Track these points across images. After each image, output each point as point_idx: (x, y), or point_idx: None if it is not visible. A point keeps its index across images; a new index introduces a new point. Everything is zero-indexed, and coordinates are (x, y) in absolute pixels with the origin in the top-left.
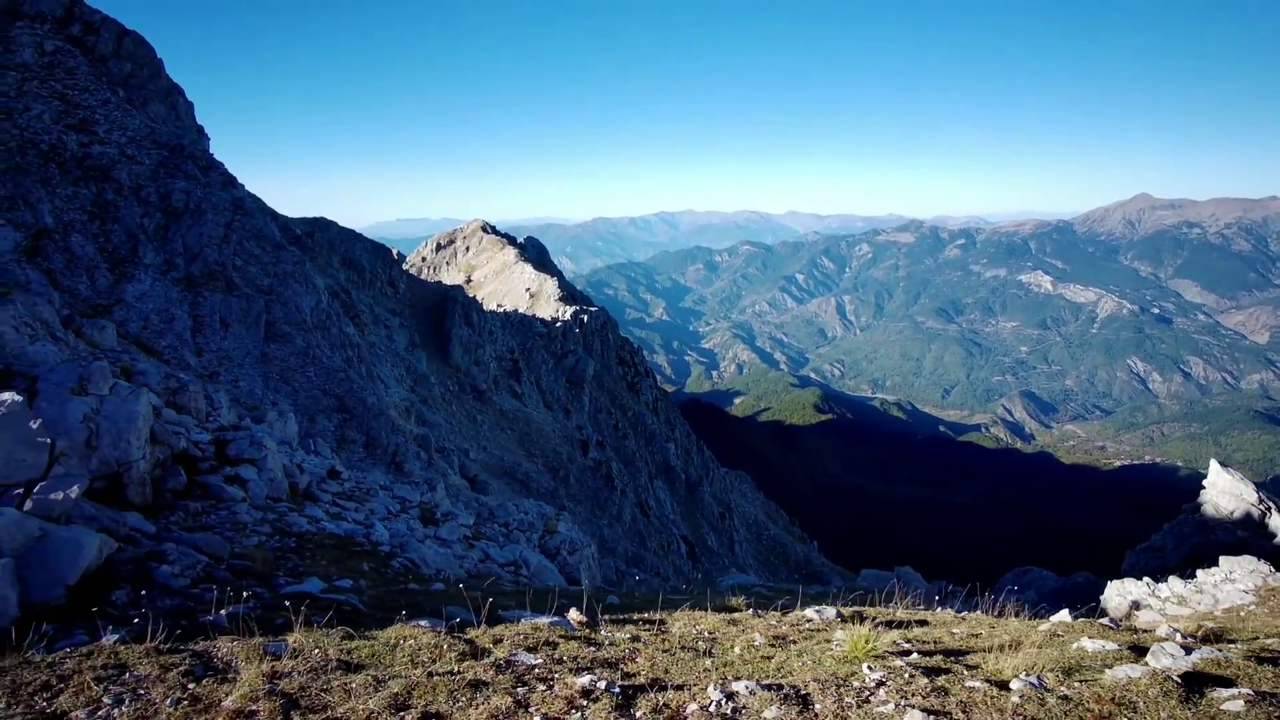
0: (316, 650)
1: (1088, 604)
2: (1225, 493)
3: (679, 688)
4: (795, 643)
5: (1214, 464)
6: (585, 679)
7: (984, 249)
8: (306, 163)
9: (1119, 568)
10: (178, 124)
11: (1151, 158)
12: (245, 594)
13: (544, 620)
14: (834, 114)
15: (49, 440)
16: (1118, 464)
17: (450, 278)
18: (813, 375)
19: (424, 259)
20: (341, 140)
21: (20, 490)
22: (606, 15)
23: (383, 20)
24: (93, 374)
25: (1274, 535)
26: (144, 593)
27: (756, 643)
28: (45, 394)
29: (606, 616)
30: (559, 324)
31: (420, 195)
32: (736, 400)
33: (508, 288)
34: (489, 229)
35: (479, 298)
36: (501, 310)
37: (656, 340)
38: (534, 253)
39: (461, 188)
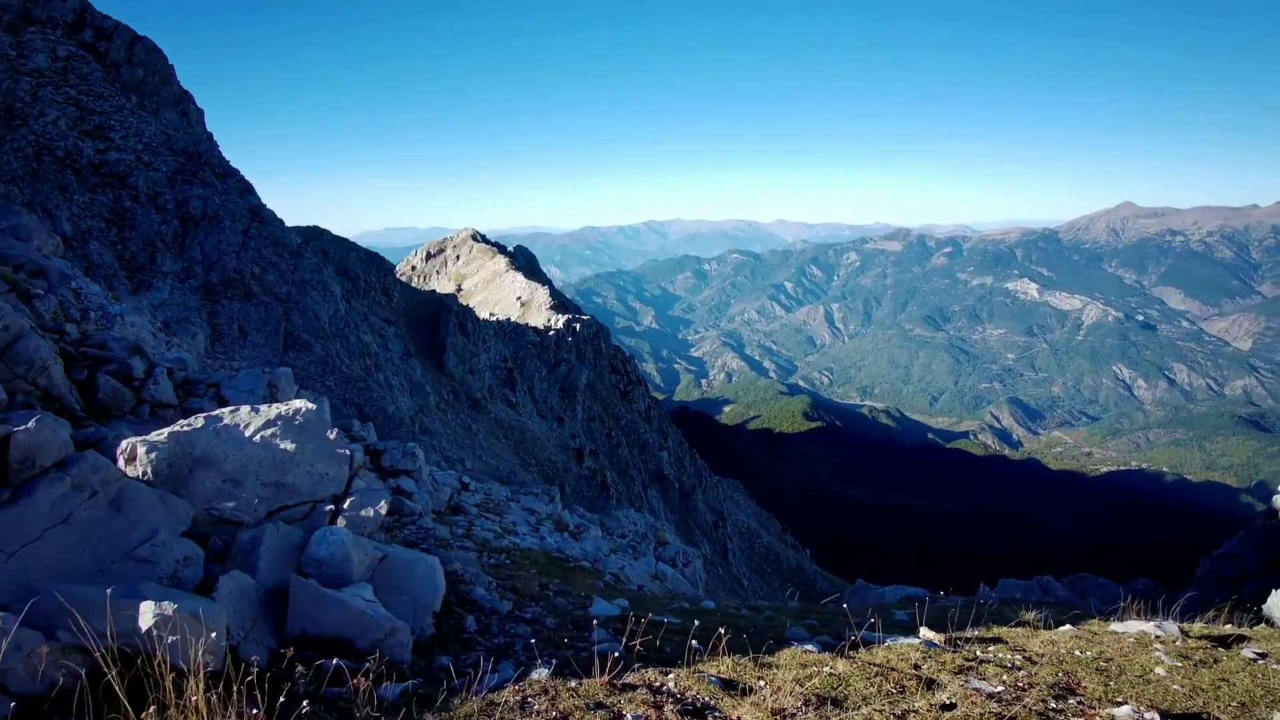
0: (773, 686)
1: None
2: None
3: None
4: (1212, 664)
5: None
6: (1124, 710)
7: (971, 257)
8: (294, 171)
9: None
10: (190, 131)
11: (1135, 166)
12: (557, 619)
13: (912, 640)
14: (822, 123)
15: (348, 452)
16: (1104, 470)
17: (440, 286)
18: (802, 383)
19: (414, 268)
20: (330, 149)
21: (329, 506)
22: (596, 27)
23: (373, 29)
24: (279, 381)
25: None
26: (488, 618)
27: (1166, 662)
28: (237, 404)
29: (956, 635)
30: (552, 333)
31: (408, 204)
32: (726, 408)
33: (498, 296)
34: (479, 238)
35: (470, 306)
36: (494, 319)
37: (646, 349)
38: (523, 261)
39: (450, 196)
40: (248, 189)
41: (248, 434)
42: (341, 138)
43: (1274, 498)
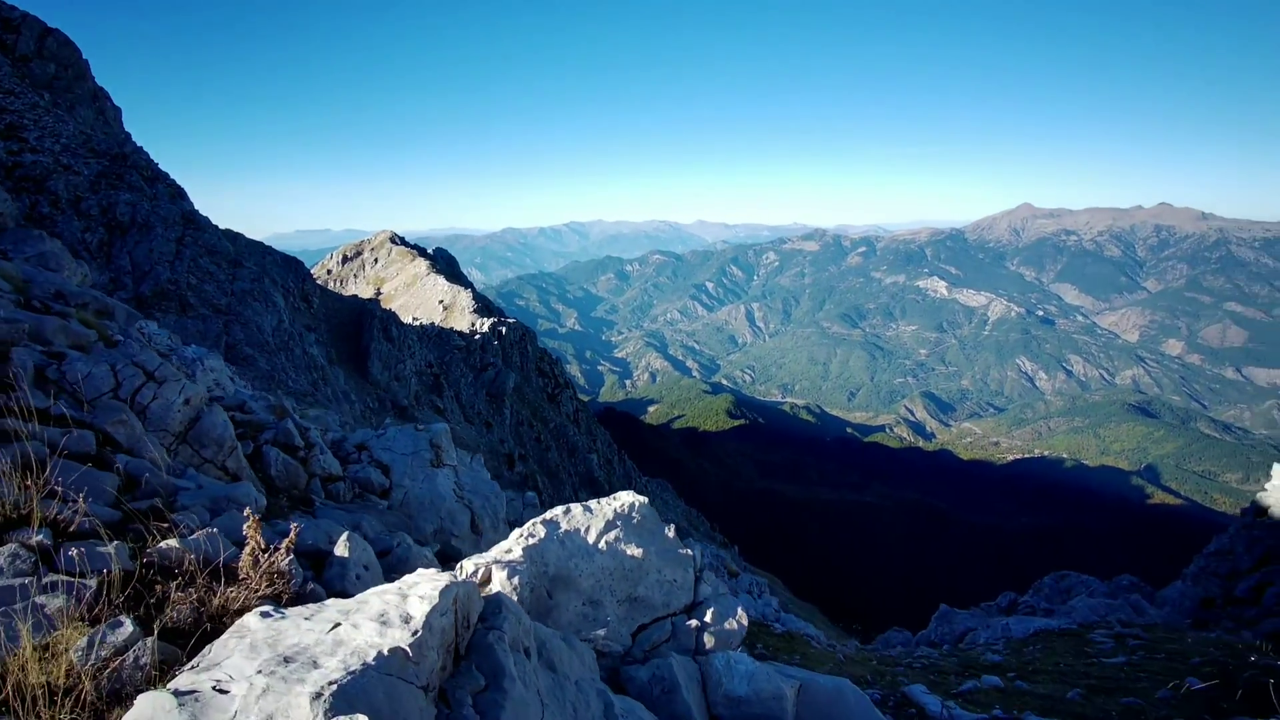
0: None
1: (1139, 609)
2: None
3: None
4: None
5: (1277, 467)
6: None
7: (884, 256)
8: (196, 170)
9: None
10: (109, 131)
11: (1033, 168)
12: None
13: None
14: (740, 125)
15: (689, 552)
16: (1011, 458)
17: (358, 291)
18: (725, 382)
19: (329, 271)
20: (236, 147)
21: (691, 621)
22: (509, 26)
23: (277, 24)
24: (440, 440)
25: None
26: None
27: None
28: (400, 468)
29: None
30: (478, 336)
31: (321, 206)
32: (650, 409)
33: (419, 300)
34: (397, 240)
35: (393, 311)
36: (417, 324)
37: (569, 350)
38: (444, 264)
39: (364, 198)
40: (180, 194)
41: (591, 540)
42: (248, 136)
43: (1258, 495)
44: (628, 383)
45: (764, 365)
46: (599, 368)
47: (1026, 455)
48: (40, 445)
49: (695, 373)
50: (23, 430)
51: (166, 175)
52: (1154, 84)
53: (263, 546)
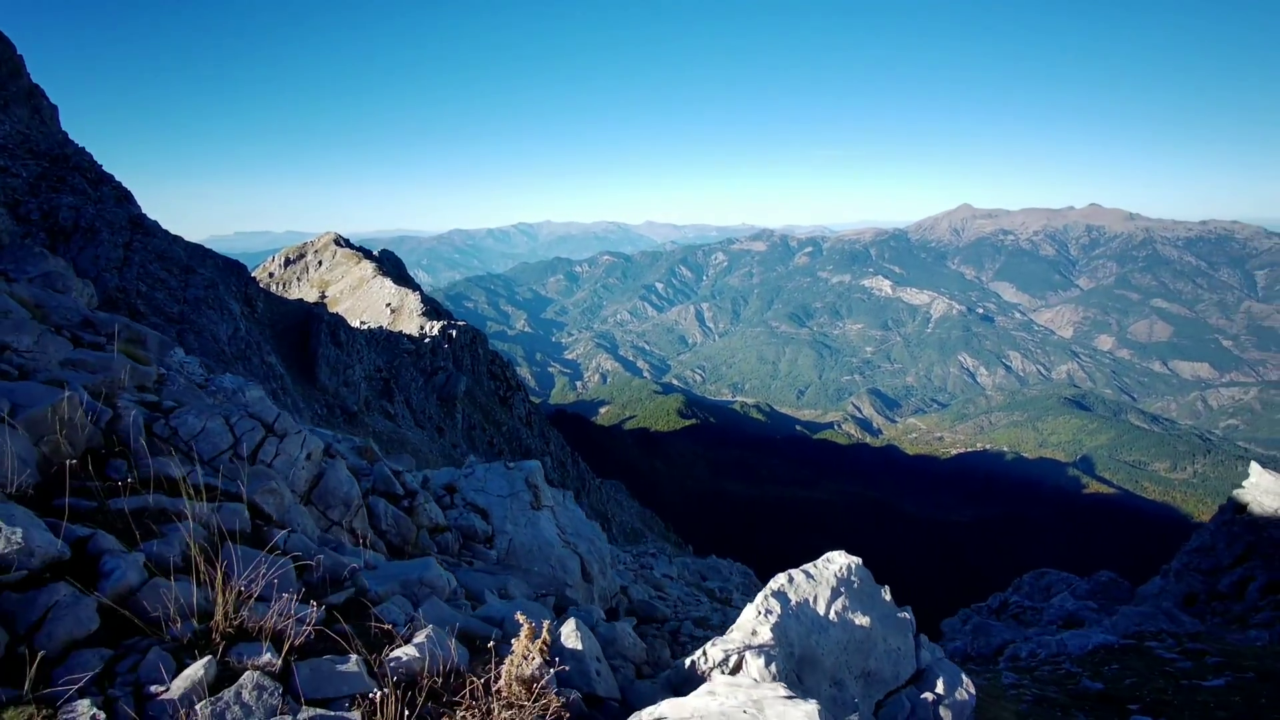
0: None
1: (1119, 604)
2: (1269, 492)
3: None
4: None
5: (1255, 465)
6: None
7: (830, 256)
8: (122, 170)
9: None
10: (44, 130)
11: (973, 170)
12: None
13: None
14: (688, 126)
15: (907, 615)
16: (954, 452)
17: (302, 294)
18: (675, 382)
19: (271, 274)
20: (165, 146)
21: (927, 694)
22: (454, 26)
23: (216, 18)
24: (535, 478)
25: None
26: None
27: None
28: (498, 513)
29: None
30: (427, 340)
31: (261, 206)
32: (602, 410)
33: (366, 303)
34: (342, 242)
35: (341, 315)
36: (365, 327)
37: (519, 352)
38: (390, 266)
39: (307, 199)
40: (126, 197)
41: (821, 612)
42: (182, 134)
43: (1236, 492)
44: (578, 384)
45: (714, 365)
46: (549, 369)
47: (969, 449)
48: (193, 525)
49: (646, 373)
50: (185, 511)
51: (111, 177)
52: (1084, 87)
53: (535, 657)
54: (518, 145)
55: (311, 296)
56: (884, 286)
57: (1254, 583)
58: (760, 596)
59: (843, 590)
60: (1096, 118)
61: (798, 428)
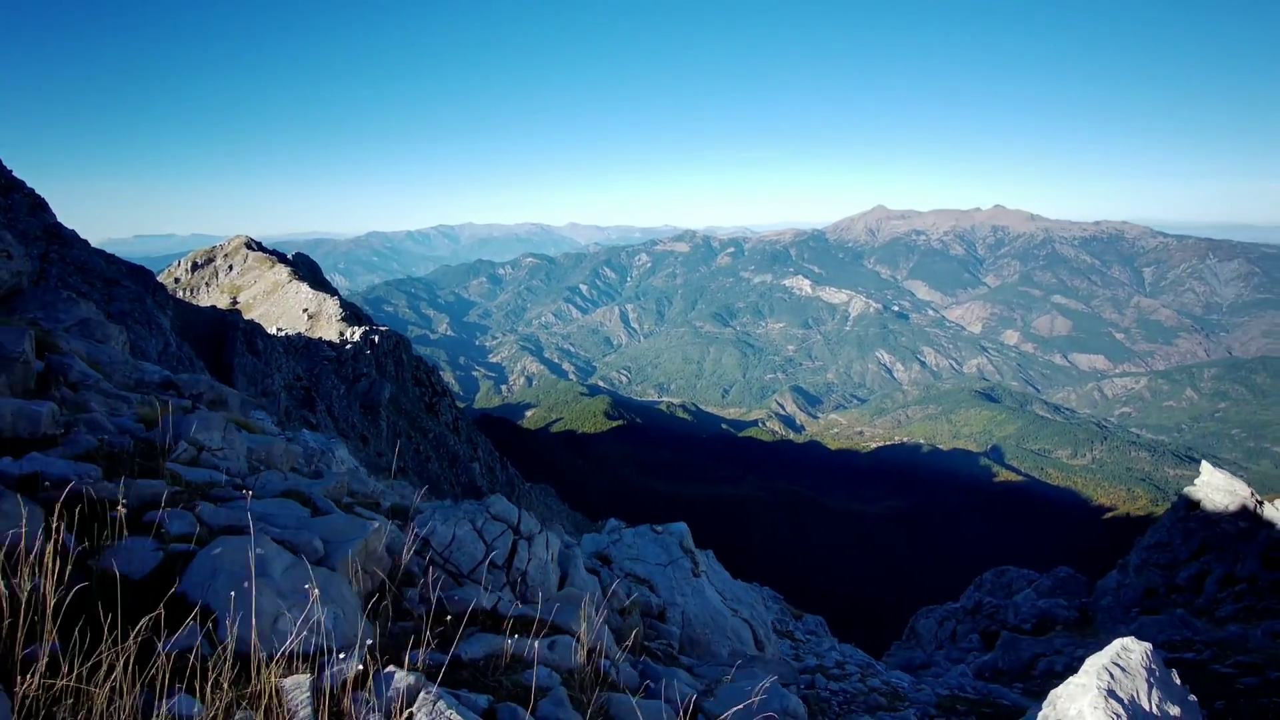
0: None
1: (1082, 599)
2: (1219, 489)
3: None
4: None
5: (1206, 465)
6: None
7: (751, 256)
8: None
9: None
10: None
11: (887, 172)
12: None
13: None
14: (611, 127)
15: (1194, 698)
16: (874, 446)
17: (212, 300)
18: (601, 383)
19: (177, 280)
20: (52, 141)
21: None
22: (370, 20)
23: (109, 9)
24: (686, 539)
25: (1273, 523)
26: None
27: None
28: (662, 583)
29: None
30: (349, 346)
31: (163, 209)
32: (528, 413)
33: (281, 309)
34: (254, 245)
35: (257, 322)
36: (282, 334)
37: (442, 357)
38: (306, 271)
39: (214, 200)
40: (41, 205)
41: (1147, 708)
42: (73, 128)
43: (1187, 490)
44: (503, 387)
45: (640, 365)
46: (473, 373)
47: (888, 443)
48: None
49: (572, 375)
50: (532, 655)
51: (22, 184)
52: (987, 92)
53: None
54: (437, 145)
55: (222, 303)
56: (804, 286)
57: (1211, 576)
58: (1095, 698)
59: (1152, 681)
60: (1000, 121)
61: (723, 426)
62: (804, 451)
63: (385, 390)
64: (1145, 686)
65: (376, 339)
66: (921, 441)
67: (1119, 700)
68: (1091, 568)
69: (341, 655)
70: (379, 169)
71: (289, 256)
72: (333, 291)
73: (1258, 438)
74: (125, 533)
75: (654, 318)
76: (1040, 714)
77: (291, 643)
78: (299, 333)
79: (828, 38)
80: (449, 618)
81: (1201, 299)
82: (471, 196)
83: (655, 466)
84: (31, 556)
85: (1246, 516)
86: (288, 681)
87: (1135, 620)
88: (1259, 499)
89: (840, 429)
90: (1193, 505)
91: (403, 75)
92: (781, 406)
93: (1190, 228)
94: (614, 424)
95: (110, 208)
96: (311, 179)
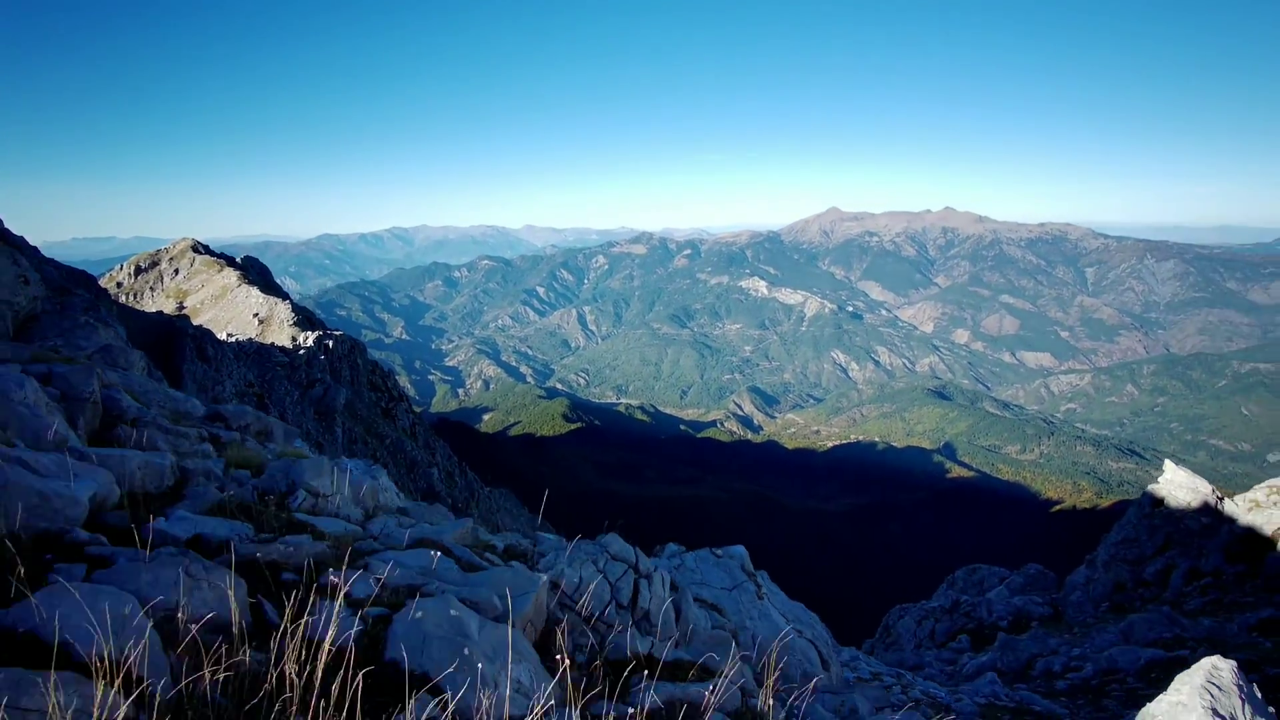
0: None
1: (1052, 595)
2: (1182, 486)
3: None
4: None
5: (1169, 463)
6: None
7: (708, 258)
8: None
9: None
10: None
11: (840, 174)
12: None
13: None
14: (566, 129)
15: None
16: (830, 445)
17: (158, 305)
18: (559, 386)
19: (120, 284)
20: None
21: None
22: (321, 19)
23: (46, 4)
24: (746, 561)
25: (1233, 519)
26: None
27: None
28: (730, 607)
29: None
30: (302, 351)
31: (104, 211)
32: (485, 416)
33: (231, 314)
34: (201, 248)
35: (207, 328)
36: (233, 340)
37: (397, 361)
38: (256, 274)
39: (158, 203)
40: None
41: None
42: (9, 130)
43: (1151, 487)
44: (460, 391)
45: (598, 368)
46: (429, 377)
47: (844, 441)
48: None
49: (530, 378)
50: (708, 699)
51: None
52: (935, 96)
53: None
54: (391, 146)
55: (168, 308)
56: (760, 287)
57: (1177, 570)
58: (1202, 717)
59: (1244, 697)
60: (949, 124)
61: (682, 427)
62: (762, 451)
63: (340, 396)
64: (1239, 702)
65: (331, 343)
66: (877, 440)
67: (1222, 718)
68: (1042, 560)
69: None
70: (330, 170)
71: (238, 260)
72: (284, 295)
73: (1194, 431)
74: (312, 598)
75: (611, 320)
76: None
77: (509, 708)
78: (250, 338)
79: (781, 41)
80: (599, 664)
81: (1140, 298)
82: (426, 198)
83: (614, 468)
84: (236, 629)
85: (1208, 512)
86: None
87: (1110, 616)
88: (1219, 495)
89: (797, 428)
90: (1157, 502)
91: (353, 75)
92: (739, 407)
93: (1129, 229)
94: (573, 426)
95: (47, 208)
96: (260, 180)
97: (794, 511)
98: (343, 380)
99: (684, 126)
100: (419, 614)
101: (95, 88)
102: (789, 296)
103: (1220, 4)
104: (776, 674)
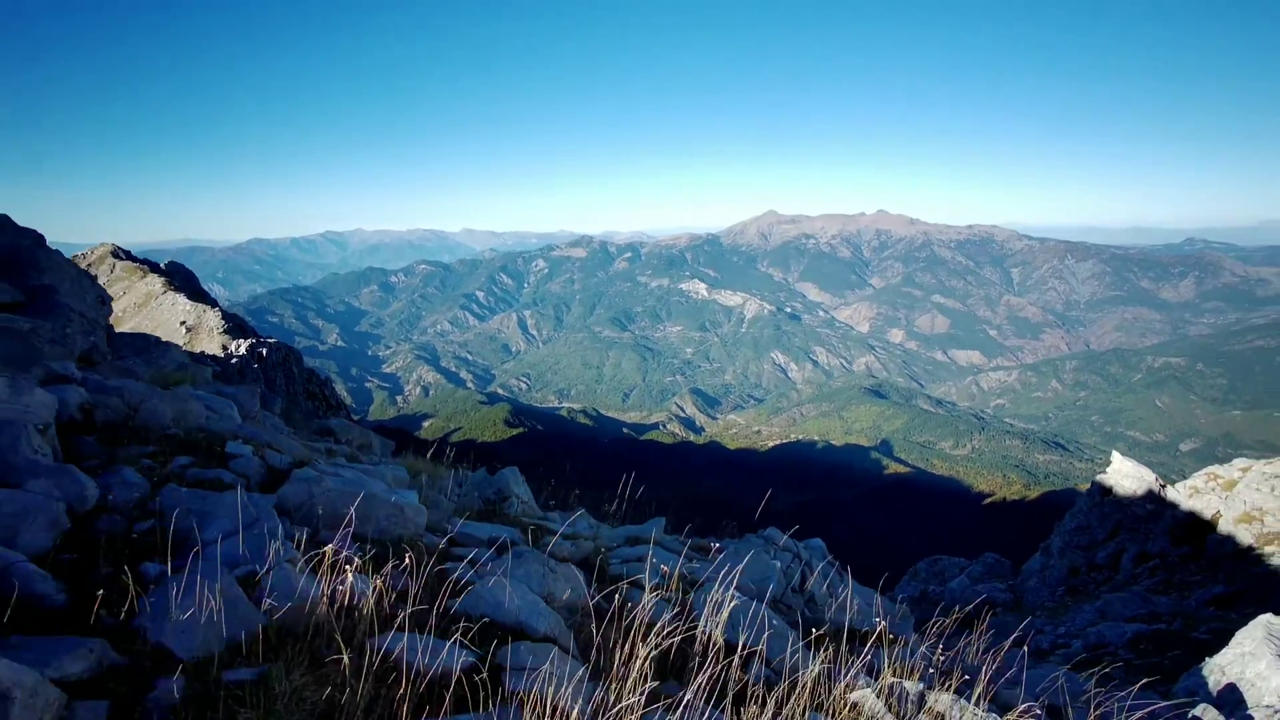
0: None
1: (1009, 582)
2: (1128, 476)
3: None
4: None
5: (1115, 454)
6: None
7: (648, 261)
8: None
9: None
10: None
11: (777, 177)
12: None
13: None
14: (505, 131)
15: None
16: (771, 444)
17: None
18: (501, 391)
19: None
20: None
21: None
22: (248, 13)
23: None
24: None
25: (1176, 504)
26: None
27: None
28: None
29: None
30: (234, 360)
31: (13, 214)
32: (425, 424)
33: (157, 321)
34: (122, 254)
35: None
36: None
37: (333, 368)
38: (182, 281)
39: (73, 207)
40: None
41: None
42: None
43: (1099, 477)
44: (399, 398)
45: (539, 372)
46: (367, 384)
47: (785, 440)
48: None
49: (470, 384)
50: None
51: None
52: (866, 101)
53: None
54: (325, 148)
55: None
56: (700, 289)
57: (1126, 554)
58: (1272, 660)
59: (1273, 646)
60: (881, 128)
61: (625, 430)
62: (705, 452)
63: (275, 405)
64: None
65: (264, 351)
66: (816, 438)
67: None
68: (975, 550)
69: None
70: (260, 172)
71: (161, 265)
72: (212, 302)
73: (1114, 423)
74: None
75: (553, 323)
76: (1211, 673)
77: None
78: (179, 347)
79: (717, 45)
80: (824, 633)
81: (1062, 296)
82: (361, 201)
83: (557, 473)
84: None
85: (1153, 499)
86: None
87: (1068, 599)
88: (1162, 483)
89: (739, 429)
90: (1106, 491)
91: (283, 74)
92: (681, 409)
93: (1052, 230)
94: (514, 431)
95: None
96: (184, 182)
97: (738, 511)
98: (278, 389)
99: (624, 130)
100: (722, 596)
101: (2, 84)
102: (729, 298)
103: (1131, 17)
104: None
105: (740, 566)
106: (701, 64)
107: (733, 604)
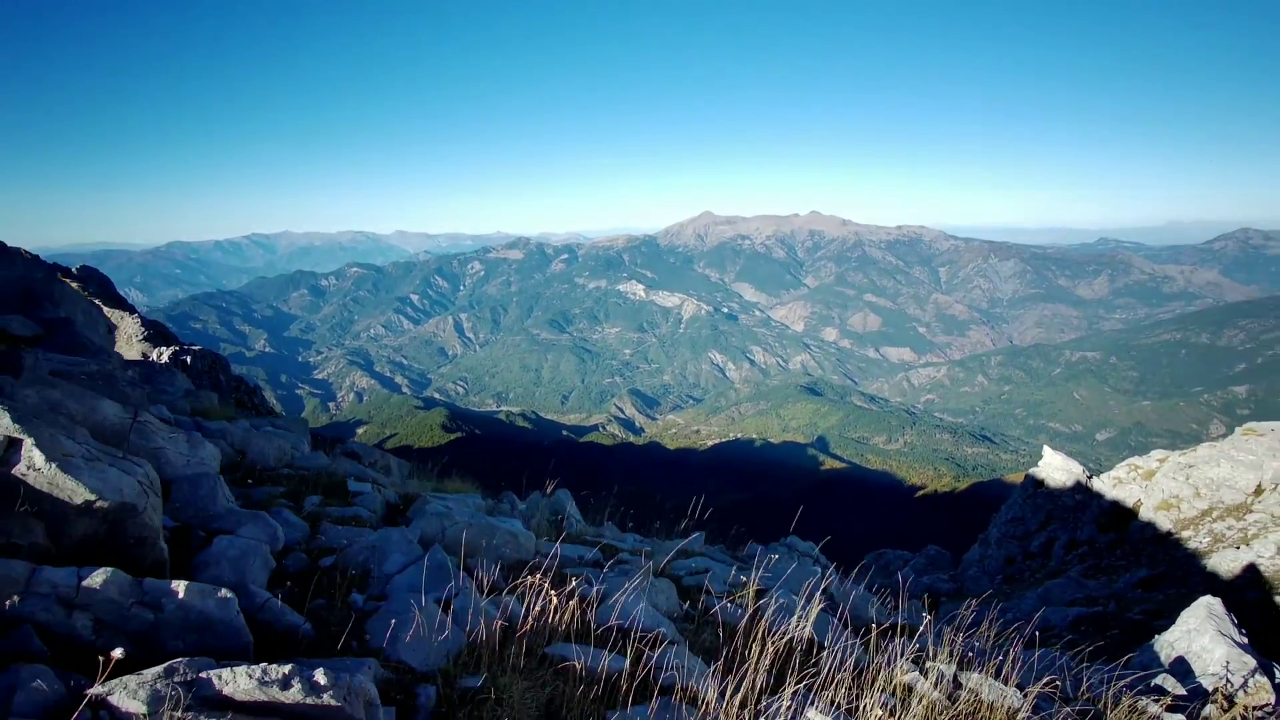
0: None
1: (950, 572)
2: (1058, 469)
3: None
4: None
5: (1046, 449)
6: None
7: (585, 263)
8: None
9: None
10: None
11: (712, 179)
12: None
13: None
14: (438, 132)
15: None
16: (711, 443)
17: None
18: (437, 395)
19: None
20: None
21: None
22: (170, 7)
23: None
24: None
25: (1101, 495)
26: None
27: None
28: None
29: None
30: (157, 368)
31: None
32: (360, 430)
33: None
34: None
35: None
36: None
37: (261, 375)
38: (96, 286)
39: None
40: None
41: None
42: None
43: (1032, 470)
44: (331, 405)
45: (477, 375)
46: (297, 391)
47: (724, 439)
48: None
49: (405, 389)
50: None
51: None
52: (798, 104)
53: None
54: (250, 148)
55: None
56: (638, 290)
57: (1058, 542)
58: (1214, 634)
59: (1232, 620)
60: (813, 130)
61: (564, 432)
62: (645, 453)
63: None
64: (1229, 625)
65: (189, 359)
66: (754, 436)
67: (1224, 634)
68: (912, 541)
69: None
70: (180, 172)
71: (74, 270)
72: (130, 309)
73: (1036, 415)
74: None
75: (489, 326)
76: (1161, 649)
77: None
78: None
79: (653, 47)
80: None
81: (986, 294)
82: (289, 203)
83: (497, 477)
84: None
85: (1081, 490)
86: (906, 678)
87: (1006, 587)
88: (1089, 474)
89: (678, 429)
90: (1038, 483)
91: (203, 69)
92: (621, 410)
93: (976, 230)
94: (451, 437)
95: None
96: (97, 183)
97: (678, 510)
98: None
99: (559, 131)
100: (782, 601)
101: None
102: (666, 299)
103: (1048, 26)
104: None
105: (786, 574)
106: (636, 66)
107: (820, 607)
